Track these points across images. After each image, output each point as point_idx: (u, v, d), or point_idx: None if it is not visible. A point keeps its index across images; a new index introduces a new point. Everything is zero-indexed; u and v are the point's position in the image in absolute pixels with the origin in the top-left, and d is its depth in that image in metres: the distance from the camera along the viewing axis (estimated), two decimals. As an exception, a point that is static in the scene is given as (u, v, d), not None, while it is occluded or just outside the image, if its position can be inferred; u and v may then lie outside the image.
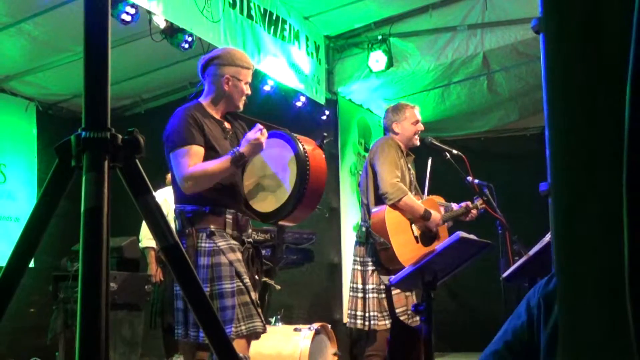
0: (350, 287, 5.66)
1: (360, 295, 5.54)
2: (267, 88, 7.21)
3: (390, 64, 7.58)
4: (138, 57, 6.92)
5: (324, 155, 4.01)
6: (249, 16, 6.41)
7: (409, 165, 5.79)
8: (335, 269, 7.87)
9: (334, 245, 7.88)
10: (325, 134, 4.21)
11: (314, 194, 3.88)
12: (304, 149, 3.82)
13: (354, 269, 5.65)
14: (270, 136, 4.00)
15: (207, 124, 3.90)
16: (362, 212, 5.79)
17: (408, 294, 5.44)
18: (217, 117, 4.06)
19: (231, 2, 6.14)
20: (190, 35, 5.81)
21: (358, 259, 5.62)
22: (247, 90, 4.04)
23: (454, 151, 5.95)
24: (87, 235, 1.26)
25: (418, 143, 5.81)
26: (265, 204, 3.95)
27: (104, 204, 1.28)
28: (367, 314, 5.46)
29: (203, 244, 3.80)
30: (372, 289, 5.49)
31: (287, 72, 7.08)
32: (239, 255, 3.85)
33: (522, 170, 8.41)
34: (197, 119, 3.86)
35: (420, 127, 5.76)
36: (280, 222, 4.17)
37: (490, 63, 7.68)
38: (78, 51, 6.66)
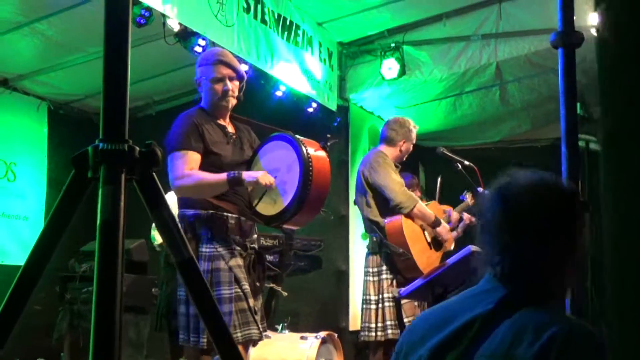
0: (363, 299, 5.64)
1: (373, 307, 5.52)
2: (279, 93, 7.19)
3: (402, 72, 7.55)
4: (151, 59, 6.90)
5: (327, 158, 4.01)
6: (263, 21, 6.40)
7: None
8: (342, 276, 7.84)
9: (342, 252, 7.85)
10: (328, 135, 4.20)
11: (317, 197, 3.88)
12: (307, 151, 3.82)
13: (366, 281, 5.63)
14: (274, 139, 4.01)
15: (207, 129, 3.90)
16: (365, 225, 5.76)
17: (417, 303, 5.43)
18: (220, 120, 4.06)
19: (245, 6, 6.13)
20: (204, 39, 5.80)
21: (370, 269, 5.60)
22: (223, 85, 3.99)
23: (466, 162, 5.95)
24: (103, 250, 1.25)
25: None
26: (269, 206, 3.94)
27: (120, 218, 1.26)
28: (383, 324, 5.44)
29: (204, 249, 3.80)
30: (388, 297, 5.47)
31: (300, 78, 7.06)
32: (239, 261, 3.85)
33: (533, 181, 8.36)
34: (197, 124, 3.86)
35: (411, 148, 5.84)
36: (285, 226, 4.16)
37: (503, 73, 7.64)
38: (91, 52, 6.66)
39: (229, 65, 4.03)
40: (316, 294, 7.73)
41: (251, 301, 3.82)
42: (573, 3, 2.56)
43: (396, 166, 5.77)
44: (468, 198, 6.00)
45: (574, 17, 2.55)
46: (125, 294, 4.44)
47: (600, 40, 1.02)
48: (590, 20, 6.27)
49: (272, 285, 5.83)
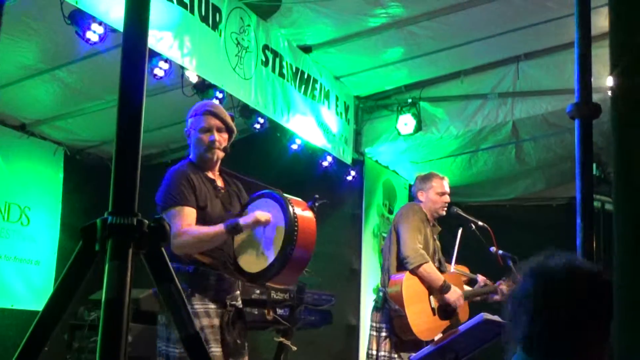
0: (367, 354, 5.60)
1: None
2: (294, 146, 7.20)
3: (419, 127, 7.57)
4: (169, 107, 6.94)
5: (314, 218, 3.98)
6: (281, 74, 6.44)
7: (435, 236, 5.75)
8: (352, 331, 7.76)
9: (353, 306, 7.79)
10: (316, 195, 4.18)
11: (301, 257, 3.86)
12: (294, 211, 3.81)
13: (370, 335, 5.61)
14: (264, 196, 4.01)
15: (198, 183, 3.87)
16: (382, 277, 5.74)
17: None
18: (209, 174, 4.03)
19: (263, 59, 6.17)
20: (222, 91, 5.83)
21: (374, 324, 5.58)
22: (210, 135, 3.95)
23: (480, 222, 5.92)
24: (107, 328, 1.23)
25: (443, 214, 5.78)
26: (253, 264, 3.91)
27: (125, 296, 1.25)
28: None
29: None
30: (384, 356, 5.42)
31: (315, 131, 7.08)
32: (215, 321, 3.78)
33: (547, 241, 8.26)
34: (189, 179, 3.83)
35: (446, 199, 5.74)
36: (268, 284, 4.13)
37: (519, 132, 7.64)
38: (108, 99, 6.72)
39: (217, 117, 4.00)
40: (326, 349, 7.65)
41: None
42: (591, 74, 2.55)
43: (434, 224, 5.74)
44: (505, 286, 5.89)
45: (592, 81, 2.54)
46: (132, 343, 4.38)
47: (614, 102, 1.02)
48: (608, 82, 6.29)
49: (281, 339, 5.76)
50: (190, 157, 4.06)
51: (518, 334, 1.99)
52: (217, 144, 3.97)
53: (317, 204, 4.11)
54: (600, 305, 1.91)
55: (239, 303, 4.06)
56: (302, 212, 3.89)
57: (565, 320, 1.90)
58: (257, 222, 3.78)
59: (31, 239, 7.62)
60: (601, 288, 1.93)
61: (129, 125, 1.34)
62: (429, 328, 5.42)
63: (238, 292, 4.08)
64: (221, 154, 4.03)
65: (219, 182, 4.09)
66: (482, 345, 3.52)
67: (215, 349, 3.71)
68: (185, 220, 3.72)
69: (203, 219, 3.81)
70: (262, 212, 3.82)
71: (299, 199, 4.02)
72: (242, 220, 3.78)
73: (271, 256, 3.81)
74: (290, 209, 3.82)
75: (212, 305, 3.78)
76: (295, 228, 3.76)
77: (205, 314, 3.72)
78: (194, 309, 3.70)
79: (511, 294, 2.07)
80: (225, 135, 4.03)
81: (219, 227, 3.73)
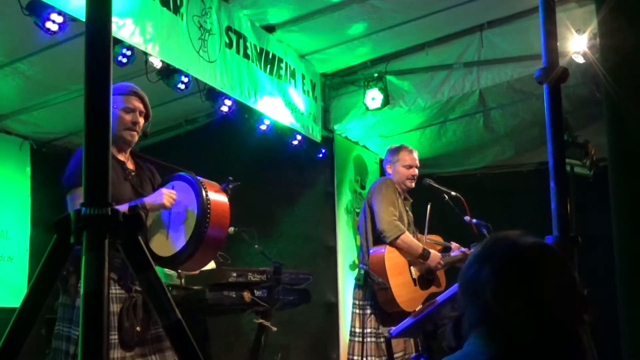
0: (350, 331, 5.61)
1: (358, 339, 5.48)
2: (263, 127, 7.16)
3: (386, 101, 7.56)
4: (133, 95, 6.88)
5: (227, 201, 3.96)
6: (245, 55, 6.39)
7: (407, 208, 5.78)
8: (331, 309, 7.78)
9: (331, 284, 7.80)
10: (230, 178, 4.17)
11: (214, 240, 3.83)
12: (206, 194, 3.78)
13: (353, 312, 5.61)
14: (176, 178, 3.94)
15: None
16: (360, 254, 5.76)
17: (406, 338, 5.38)
18: (119, 156, 3.94)
19: (227, 41, 6.12)
20: (187, 75, 5.78)
21: (357, 302, 5.59)
22: (132, 117, 3.90)
23: (452, 193, 5.96)
24: (87, 320, 1.21)
25: (412, 186, 5.80)
26: (164, 248, 3.85)
27: (104, 286, 1.23)
28: (365, 359, 5.39)
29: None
30: (370, 332, 5.44)
31: (284, 111, 7.05)
32: (115, 306, 3.64)
33: (519, 206, 8.38)
34: None
35: (414, 171, 5.76)
36: (180, 268, 4.09)
37: (486, 100, 7.67)
38: (73, 89, 6.62)
39: (142, 100, 3.97)
40: (306, 327, 7.67)
41: (116, 352, 3.58)
42: (556, 38, 2.55)
43: (405, 198, 5.76)
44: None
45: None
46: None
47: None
48: (571, 46, 6.32)
49: (261, 320, 5.76)
50: None
51: (473, 319, 1.92)
52: (137, 127, 3.92)
53: (230, 186, 4.09)
54: (568, 284, 1.88)
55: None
56: (215, 194, 3.86)
57: (530, 301, 1.83)
58: (163, 206, 3.72)
59: (2, 236, 7.53)
60: (567, 267, 1.91)
61: (97, 114, 1.31)
62: (412, 298, 5.46)
63: None
64: (136, 138, 3.97)
65: (129, 165, 4.02)
66: (460, 314, 3.53)
67: (111, 337, 3.57)
68: None
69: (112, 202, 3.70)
70: (167, 190, 3.77)
71: (213, 182, 3.98)
72: (148, 199, 3.70)
73: (183, 239, 3.77)
74: (203, 191, 3.78)
75: (115, 290, 3.66)
76: (208, 211, 3.73)
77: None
78: None
79: (464, 277, 1.99)
80: (142, 121, 3.98)
81: (124, 207, 3.65)
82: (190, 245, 3.73)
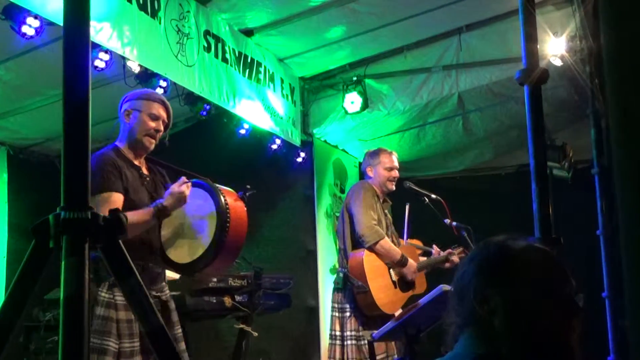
0: (330, 335, 5.61)
1: (338, 342, 5.48)
2: (242, 131, 7.14)
3: (365, 105, 7.55)
4: (111, 100, 6.78)
5: (245, 208, 3.97)
6: (224, 60, 6.36)
7: (386, 211, 5.78)
8: (312, 313, 7.76)
9: (311, 288, 7.78)
10: (248, 186, 4.15)
11: (233, 247, 3.83)
12: (225, 201, 3.77)
13: (332, 316, 5.61)
14: (193, 185, 3.91)
15: (124, 169, 3.78)
16: (339, 257, 5.76)
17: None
18: (135, 161, 3.94)
19: (205, 45, 6.09)
20: (165, 79, 5.75)
21: (336, 305, 5.58)
22: (156, 124, 3.92)
23: (433, 195, 5.97)
24: (67, 325, 1.19)
25: (392, 188, 5.81)
26: (183, 255, 3.85)
27: (84, 292, 1.21)
28: None
29: (102, 294, 3.61)
30: (351, 335, 5.44)
31: (263, 115, 7.03)
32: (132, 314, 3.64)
33: (499, 209, 8.40)
34: (115, 164, 3.73)
35: (395, 173, 5.77)
36: (199, 274, 4.08)
37: (465, 103, 7.68)
38: (50, 95, 6.56)
39: (167, 111, 4.01)
40: (287, 332, 7.65)
41: (138, 359, 3.64)
42: (537, 39, 2.56)
43: (384, 200, 5.76)
44: (456, 252, 5.96)
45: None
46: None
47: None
48: (549, 49, 6.34)
49: (242, 325, 5.74)
50: (117, 142, 3.97)
51: (462, 320, 1.92)
52: (158, 135, 3.94)
53: (247, 194, 4.08)
54: (554, 288, 1.86)
55: (165, 294, 3.98)
56: (234, 202, 3.85)
57: (507, 302, 1.83)
58: (178, 199, 3.70)
59: (-20, 243, 7.45)
60: (559, 271, 1.90)
61: (76, 118, 1.29)
62: (392, 301, 5.47)
63: (164, 284, 4.00)
64: (153, 146, 3.98)
65: (144, 170, 4.02)
66: (442, 317, 3.54)
67: (127, 346, 3.60)
68: (114, 207, 3.60)
69: (129, 206, 3.70)
70: (176, 183, 3.75)
71: (230, 189, 3.98)
72: (165, 202, 3.69)
73: (202, 247, 3.76)
74: (221, 198, 3.77)
75: None
76: (227, 217, 3.72)
77: (124, 306, 3.59)
78: (114, 300, 3.60)
79: (455, 277, 1.99)
80: (161, 132, 4.01)
81: (146, 210, 3.64)
82: (210, 251, 3.73)
